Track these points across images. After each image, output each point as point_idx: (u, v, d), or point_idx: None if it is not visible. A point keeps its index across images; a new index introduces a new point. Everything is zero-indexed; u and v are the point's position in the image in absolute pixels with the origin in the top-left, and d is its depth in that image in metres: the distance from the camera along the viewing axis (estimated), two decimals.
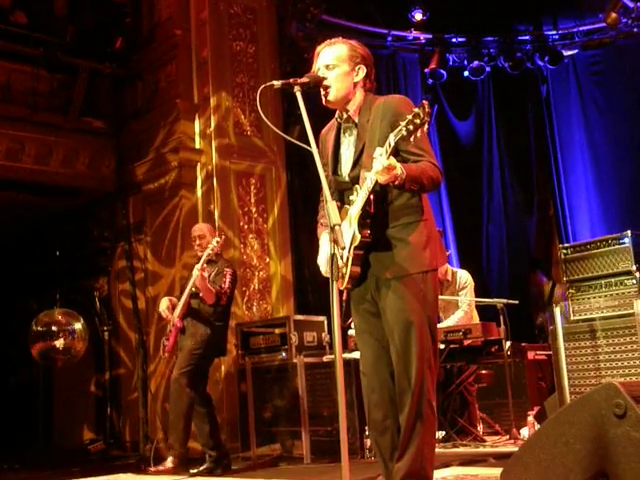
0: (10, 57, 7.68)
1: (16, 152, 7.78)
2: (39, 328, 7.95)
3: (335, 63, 3.06)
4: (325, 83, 3.02)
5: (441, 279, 6.31)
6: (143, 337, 7.77)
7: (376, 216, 2.95)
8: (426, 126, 2.60)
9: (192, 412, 5.54)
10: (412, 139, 2.67)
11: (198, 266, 5.52)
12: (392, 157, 2.74)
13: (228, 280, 5.77)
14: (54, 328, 7.94)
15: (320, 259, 3.14)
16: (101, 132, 8.31)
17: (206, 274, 5.59)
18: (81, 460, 7.47)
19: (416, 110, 2.61)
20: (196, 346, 5.59)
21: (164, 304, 5.83)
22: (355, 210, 2.94)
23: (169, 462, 5.42)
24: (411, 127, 2.62)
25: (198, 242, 5.90)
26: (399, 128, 2.66)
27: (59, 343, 7.93)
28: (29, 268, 9.76)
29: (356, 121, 3.09)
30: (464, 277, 6.55)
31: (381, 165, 2.71)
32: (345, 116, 3.12)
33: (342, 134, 3.16)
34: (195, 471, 5.51)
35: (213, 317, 5.68)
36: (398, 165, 2.76)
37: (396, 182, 2.77)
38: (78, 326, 8.04)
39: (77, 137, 8.12)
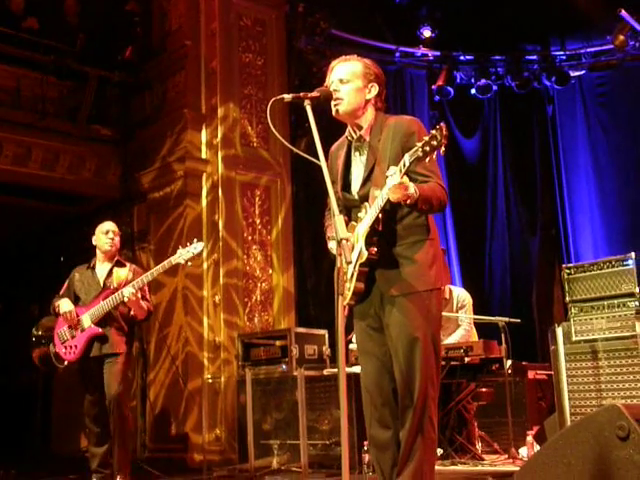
0: (20, 63, 7.74)
1: (23, 157, 7.82)
2: (40, 333, 7.93)
3: (349, 78, 3.09)
4: (338, 95, 3.05)
5: None
6: (144, 345, 7.77)
7: (383, 234, 2.97)
8: (442, 148, 2.62)
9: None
10: (427, 160, 2.69)
11: (132, 289, 5.08)
12: (405, 176, 2.76)
13: (146, 290, 5.43)
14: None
15: (330, 243, 3.12)
16: (108, 140, 8.35)
17: (135, 289, 5.12)
18: (78, 467, 7.44)
19: (433, 132, 2.64)
20: (124, 359, 5.26)
21: (69, 306, 5.35)
22: (363, 227, 2.96)
23: None
24: (427, 148, 2.65)
25: (111, 236, 5.49)
26: (415, 149, 2.69)
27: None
28: (32, 273, 9.77)
29: (367, 140, 3.12)
30: (462, 296, 6.53)
31: (394, 183, 2.73)
32: (357, 135, 3.15)
33: (353, 152, 3.19)
34: None
35: (129, 324, 5.38)
36: (411, 184, 2.78)
37: (408, 201, 2.79)
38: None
39: (84, 144, 8.16)
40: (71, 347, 5.37)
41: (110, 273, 5.45)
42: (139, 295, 5.19)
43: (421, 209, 2.89)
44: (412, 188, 2.79)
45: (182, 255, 5.11)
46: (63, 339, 5.42)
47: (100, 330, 5.25)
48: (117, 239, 5.54)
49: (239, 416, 6.64)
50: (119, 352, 5.28)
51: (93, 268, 5.52)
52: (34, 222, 9.41)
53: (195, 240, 5.16)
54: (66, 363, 5.41)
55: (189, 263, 5.20)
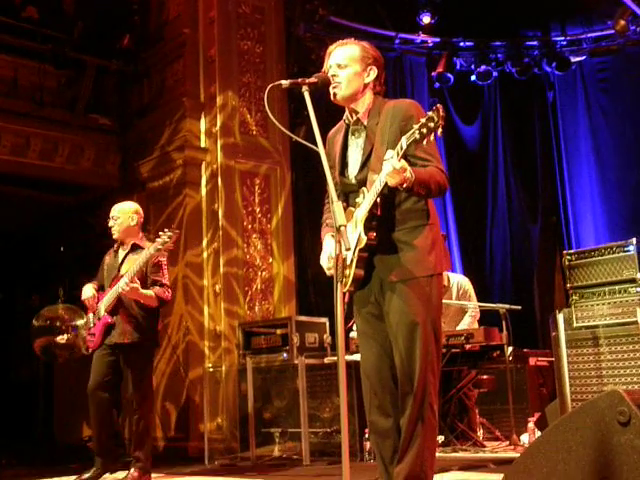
0: (18, 52, 7.70)
1: (21, 147, 7.79)
2: (41, 323, 7.94)
3: (347, 62, 3.06)
4: (336, 80, 3.02)
5: None
6: None
7: (382, 219, 2.95)
8: (440, 130, 2.59)
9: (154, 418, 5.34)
10: (425, 142, 2.66)
11: (126, 279, 4.95)
12: (403, 160, 2.73)
13: (165, 272, 5.24)
14: (57, 323, 7.93)
15: (322, 258, 3.13)
16: (107, 129, 8.33)
17: (137, 284, 5.00)
18: (80, 456, 7.46)
19: (430, 114, 2.61)
20: (136, 349, 5.13)
21: (89, 292, 5.29)
22: (361, 212, 2.94)
23: (132, 472, 5.06)
24: (424, 130, 2.62)
25: (110, 223, 5.34)
26: (412, 131, 2.66)
27: (61, 339, 7.92)
28: (32, 263, 9.77)
29: (365, 124, 3.09)
30: (462, 282, 6.52)
31: (392, 167, 2.70)
32: (354, 118, 3.12)
33: (350, 136, 3.16)
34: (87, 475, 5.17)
35: (152, 311, 5.22)
36: (408, 168, 2.76)
37: (404, 185, 2.76)
38: (81, 322, 8.02)
39: (83, 133, 8.13)
40: (93, 335, 5.30)
41: (125, 259, 5.34)
42: (134, 285, 4.98)
43: (418, 193, 2.86)
44: (409, 172, 2.76)
45: (156, 245, 4.91)
46: (89, 326, 5.37)
47: (109, 320, 5.18)
48: (118, 222, 5.32)
49: (240, 405, 6.66)
50: (126, 342, 5.14)
51: (116, 252, 5.41)
52: (33, 212, 9.40)
53: (166, 230, 5.03)
54: (90, 351, 5.32)
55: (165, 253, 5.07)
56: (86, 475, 5.16)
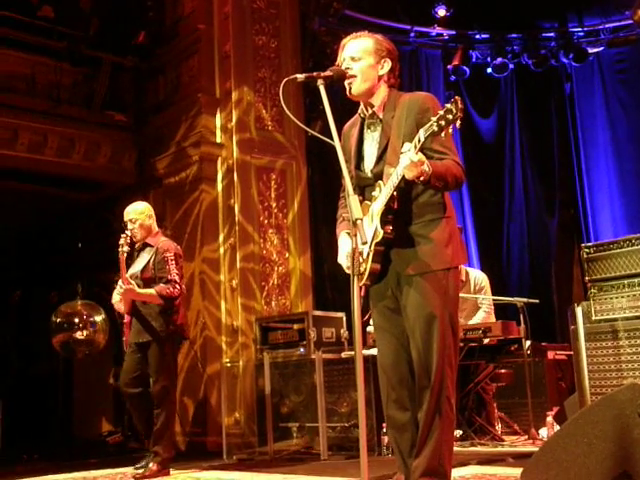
0: (34, 50, 7.75)
1: (39, 145, 7.84)
2: (60, 319, 8.00)
3: (361, 55, 3.04)
4: (350, 74, 3.01)
5: None
6: None
7: (399, 212, 2.93)
8: (458, 122, 2.56)
9: (176, 413, 5.35)
10: (443, 135, 2.64)
11: (120, 282, 5.04)
12: (420, 152, 2.72)
13: (172, 267, 5.20)
14: (75, 319, 7.99)
15: (340, 256, 3.11)
16: (123, 125, 8.37)
17: (132, 285, 5.04)
18: (99, 452, 7.52)
19: (448, 106, 2.58)
20: (153, 346, 5.18)
21: (116, 297, 5.30)
22: (378, 206, 2.92)
23: (152, 466, 5.10)
24: (443, 123, 2.60)
25: (130, 227, 5.32)
26: (430, 123, 2.64)
27: (80, 334, 7.97)
28: (50, 260, 9.84)
29: (381, 117, 3.07)
30: (479, 278, 6.48)
31: (409, 160, 2.68)
32: (370, 112, 3.10)
33: (366, 130, 3.14)
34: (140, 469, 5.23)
35: (164, 307, 5.20)
36: (426, 161, 2.74)
37: (422, 178, 2.75)
38: (99, 318, 8.08)
39: (99, 130, 8.18)
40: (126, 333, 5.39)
41: (137, 258, 5.40)
42: (128, 287, 5.03)
43: (435, 186, 2.84)
44: (426, 165, 2.75)
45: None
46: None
47: (125, 320, 5.28)
48: (137, 224, 5.31)
49: (258, 399, 6.66)
50: (140, 341, 5.21)
51: (139, 252, 5.43)
52: (51, 209, 9.46)
53: None
54: (126, 349, 5.41)
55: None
56: (140, 464, 5.28)
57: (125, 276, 5.07)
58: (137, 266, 5.29)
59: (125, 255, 5.15)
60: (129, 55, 8.17)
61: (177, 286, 5.19)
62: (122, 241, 5.14)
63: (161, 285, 5.16)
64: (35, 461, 7.14)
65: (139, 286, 5.18)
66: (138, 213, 5.38)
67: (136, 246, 5.42)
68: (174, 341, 5.36)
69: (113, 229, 8.71)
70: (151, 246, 5.34)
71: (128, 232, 5.26)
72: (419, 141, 2.69)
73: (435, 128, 2.62)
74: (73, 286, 8.84)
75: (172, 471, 5.30)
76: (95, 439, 8.58)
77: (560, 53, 9.80)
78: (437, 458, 2.87)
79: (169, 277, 5.19)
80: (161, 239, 5.43)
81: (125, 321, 5.28)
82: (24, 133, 7.69)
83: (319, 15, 8.48)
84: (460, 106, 2.56)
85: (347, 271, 3.03)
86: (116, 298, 5.30)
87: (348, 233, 3.01)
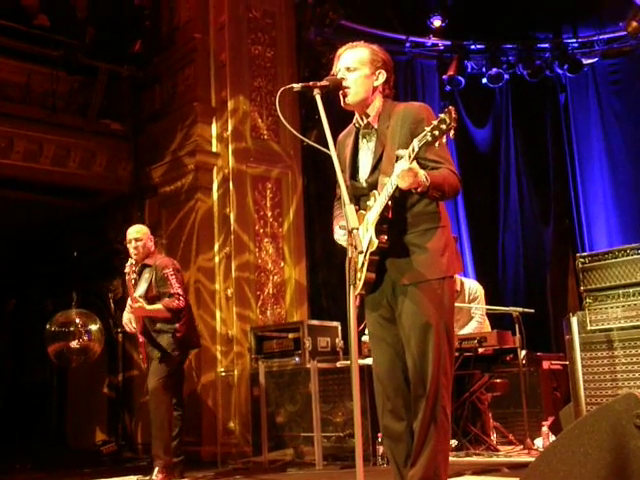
0: (30, 58, 7.75)
1: (34, 153, 7.84)
2: (55, 328, 7.98)
3: (356, 66, 3.04)
4: (345, 84, 3.01)
5: None
6: None
7: (394, 222, 2.93)
8: (452, 132, 2.57)
9: (172, 418, 5.46)
10: (437, 145, 2.64)
11: (129, 301, 5.34)
12: (415, 162, 2.72)
13: (173, 281, 5.49)
14: (71, 328, 7.98)
15: (337, 232, 3.08)
16: (119, 134, 8.37)
17: (140, 303, 5.31)
18: (93, 461, 7.49)
19: (442, 116, 2.58)
20: (164, 352, 5.43)
21: (125, 317, 5.55)
22: (372, 215, 2.92)
23: (156, 473, 5.24)
24: (437, 132, 2.59)
25: (134, 245, 5.60)
26: (424, 133, 2.63)
27: (75, 343, 7.95)
28: (45, 268, 9.82)
29: (375, 127, 3.08)
30: (474, 287, 6.48)
31: (401, 169, 2.69)
32: (365, 122, 3.10)
33: (361, 140, 3.14)
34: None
35: (171, 320, 5.48)
36: (421, 172, 2.75)
37: (419, 189, 2.76)
38: (94, 327, 8.07)
39: (95, 139, 8.18)
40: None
41: (139, 279, 5.58)
42: (137, 305, 5.28)
43: (432, 196, 2.85)
44: (423, 176, 2.75)
45: None
46: None
47: (141, 339, 5.45)
48: (141, 244, 5.58)
49: (253, 409, 6.65)
50: (154, 357, 5.44)
51: (139, 275, 5.61)
52: (46, 217, 9.45)
53: None
54: (145, 367, 5.61)
55: None
56: (148, 478, 5.31)
57: (134, 296, 5.31)
58: (141, 288, 5.51)
59: (133, 281, 5.41)
60: (125, 64, 8.18)
61: (181, 298, 5.49)
62: (128, 269, 5.39)
63: (166, 299, 5.43)
64: (29, 470, 7.11)
65: None
66: (143, 233, 5.67)
67: (137, 269, 5.60)
68: (181, 351, 5.55)
69: (108, 238, 8.72)
70: (150, 266, 5.57)
71: (132, 260, 5.48)
72: (413, 151, 2.69)
73: (429, 138, 2.62)
74: (68, 295, 8.83)
75: None
76: (89, 448, 8.54)
77: (555, 64, 9.87)
78: (432, 468, 2.86)
79: (172, 291, 5.47)
80: (158, 257, 5.71)
81: (141, 341, 5.45)
82: (19, 141, 7.69)
83: (315, 25, 8.51)
84: (454, 116, 2.56)
85: (341, 243, 2.99)
86: (125, 318, 5.52)
87: (341, 226, 3.01)
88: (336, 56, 3.11)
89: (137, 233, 5.65)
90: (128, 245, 5.62)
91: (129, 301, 5.37)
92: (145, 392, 5.70)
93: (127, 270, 5.38)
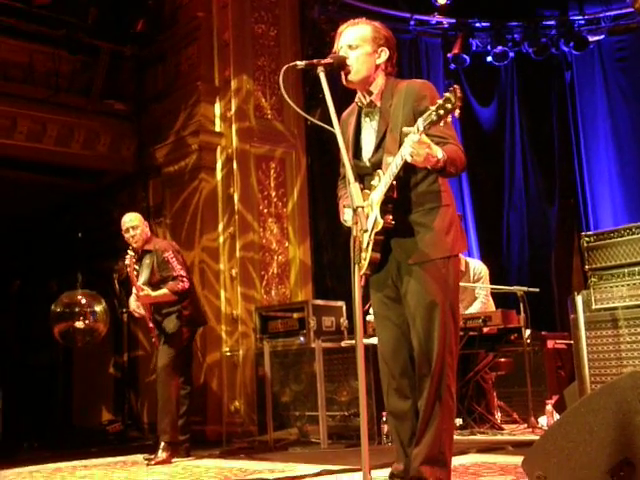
0: (32, 38, 7.70)
1: (37, 133, 7.82)
2: (60, 308, 8.00)
3: (358, 43, 3.01)
4: (347, 62, 2.98)
5: None
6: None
7: (398, 201, 2.91)
8: (457, 111, 2.53)
9: (179, 396, 5.54)
10: (442, 124, 2.61)
11: (134, 290, 5.44)
12: (424, 135, 2.68)
13: (175, 264, 5.56)
14: (76, 309, 8.00)
15: (345, 214, 3.07)
16: (122, 114, 8.34)
17: (146, 291, 5.40)
18: (99, 440, 7.54)
19: (447, 95, 2.55)
20: (171, 333, 5.54)
21: (133, 304, 5.64)
22: (377, 195, 2.90)
23: (162, 450, 5.31)
24: (441, 112, 2.56)
25: (131, 233, 5.66)
26: (429, 112, 2.60)
27: (80, 324, 7.98)
28: (50, 249, 9.83)
29: (378, 105, 3.05)
30: (478, 268, 6.48)
31: (412, 140, 2.65)
32: (367, 100, 3.08)
33: (363, 118, 3.11)
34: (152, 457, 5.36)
35: (177, 300, 5.57)
36: (438, 148, 2.72)
37: (440, 164, 2.73)
38: (99, 308, 8.09)
39: (98, 119, 8.15)
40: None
41: (141, 267, 5.65)
42: (143, 293, 5.37)
43: (449, 172, 2.82)
44: (440, 152, 2.72)
45: None
46: None
47: (151, 325, 5.55)
48: (138, 231, 5.63)
49: (258, 388, 6.68)
50: (161, 340, 5.56)
51: (139, 262, 5.69)
52: (50, 198, 9.45)
53: None
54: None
55: None
56: (153, 456, 5.36)
57: (138, 285, 5.39)
58: (144, 275, 5.58)
59: (135, 272, 5.49)
60: (128, 43, 8.13)
61: (184, 279, 5.55)
62: (128, 261, 5.46)
63: (170, 283, 5.50)
64: (35, 449, 7.16)
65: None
66: (138, 220, 5.71)
67: (137, 256, 5.66)
68: (188, 329, 5.66)
69: (113, 218, 8.71)
70: (150, 252, 5.64)
71: (132, 252, 5.53)
72: (418, 130, 2.66)
73: (434, 117, 2.58)
74: (73, 275, 8.84)
75: (172, 459, 5.32)
76: (95, 428, 8.60)
77: (560, 41, 9.77)
78: (437, 446, 2.87)
79: (174, 274, 5.53)
80: (156, 241, 5.79)
81: (151, 326, 5.55)
82: (23, 121, 7.67)
83: (318, 3, 8.44)
84: (459, 95, 2.53)
85: (348, 225, 2.96)
86: (133, 305, 5.61)
87: (345, 205, 3.00)
88: (337, 33, 3.07)
89: (132, 221, 5.68)
90: (125, 235, 5.66)
91: (134, 290, 5.44)
92: (152, 371, 5.76)
93: (127, 262, 5.44)
